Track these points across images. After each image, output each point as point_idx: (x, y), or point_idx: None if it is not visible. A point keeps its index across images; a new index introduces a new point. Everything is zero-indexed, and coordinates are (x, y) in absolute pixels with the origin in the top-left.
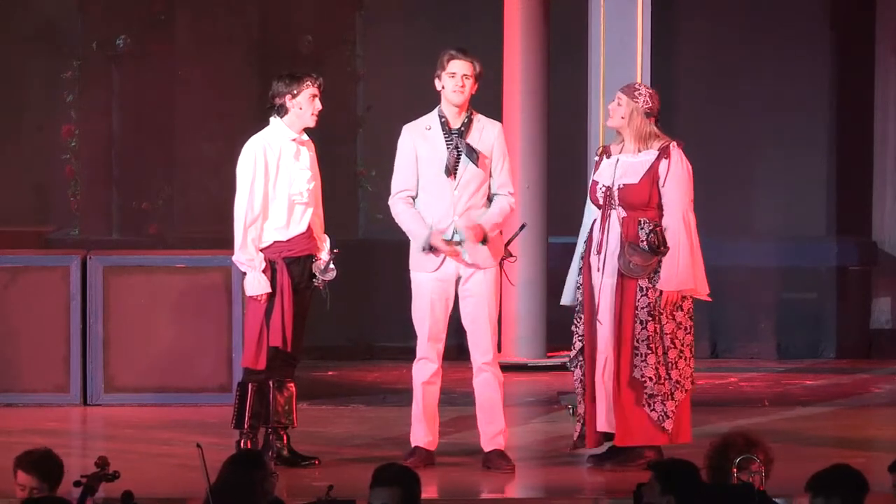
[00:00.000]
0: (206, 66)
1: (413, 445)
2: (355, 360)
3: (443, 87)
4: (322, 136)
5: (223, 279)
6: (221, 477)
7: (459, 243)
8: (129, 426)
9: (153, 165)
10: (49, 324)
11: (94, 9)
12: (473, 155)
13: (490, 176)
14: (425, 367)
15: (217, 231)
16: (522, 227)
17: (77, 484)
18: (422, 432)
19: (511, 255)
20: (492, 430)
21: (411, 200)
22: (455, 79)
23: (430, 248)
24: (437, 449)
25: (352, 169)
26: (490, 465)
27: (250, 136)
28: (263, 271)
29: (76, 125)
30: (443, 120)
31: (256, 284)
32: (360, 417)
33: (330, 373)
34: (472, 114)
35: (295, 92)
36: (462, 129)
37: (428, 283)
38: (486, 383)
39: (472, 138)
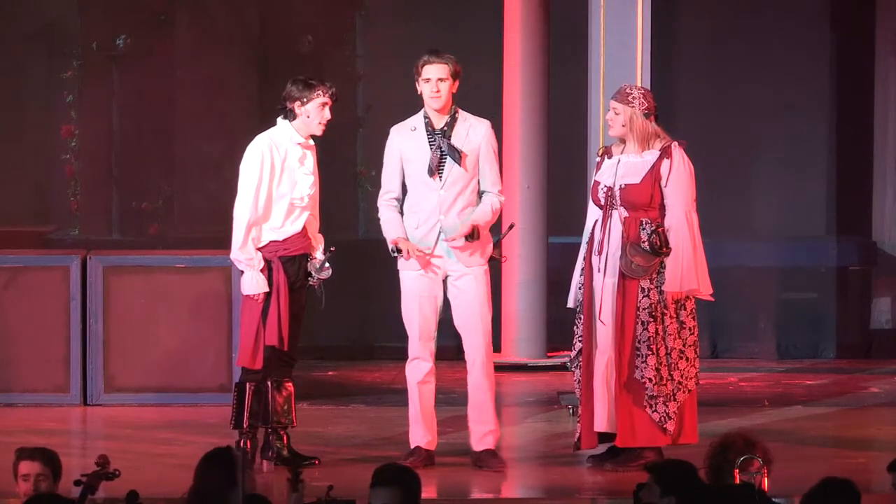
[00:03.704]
0: (206, 66)
1: (413, 446)
2: (355, 360)
3: (421, 93)
4: (322, 136)
5: (223, 279)
6: (196, 477)
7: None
8: (129, 426)
9: (153, 165)
10: (49, 324)
11: (94, 9)
12: (456, 154)
13: (479, 174)
14: (419, 367)
15: (217, 231)
16: (511, 226)
17: (77, 483)
18: (420, 432)
19: (502, 256)
20: (481, 429)
21: (395, 203)
22: (430, 84)
23: (398, 251)
24: (436, 449)
25: (352, 169)
26: (482, 465)
27: (250, 136)
28: (261, 270)
29: (76, 125)
30: (427, 120)
31: (254, 283)
32: (360, 417)
33: (330, 373)
34: (456, 112)
35: (305, 99)
36: (445, 128)
37: (414, 281)
38: (477, 383)
39: (458, 137)
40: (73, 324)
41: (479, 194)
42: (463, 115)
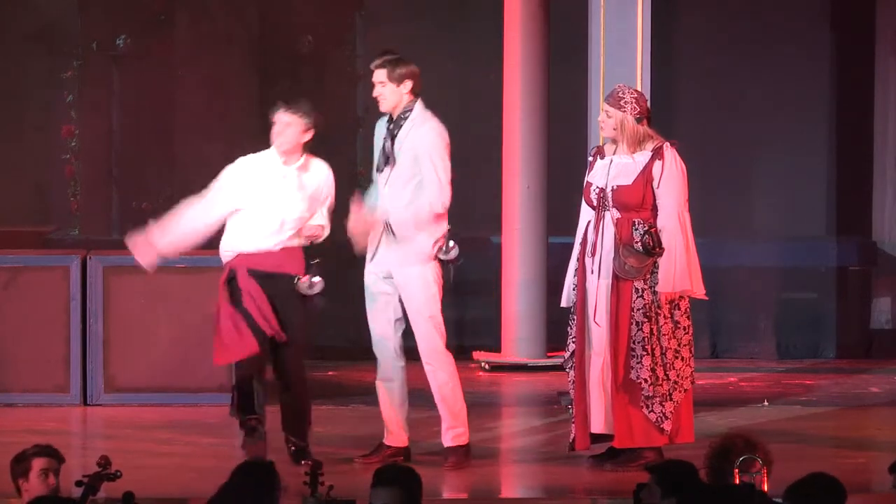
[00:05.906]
0: (206, 66)
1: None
2: (355, 360)
3: None
4: (322, 136)
5: None
6: (228, 485)
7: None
8: (129, 426)
9: (153, 165)
10: (49, 324)
11: (94, 9)
12: (385, 155)
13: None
14: (377, 364)
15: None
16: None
17: (79, 483)
18: (385, 429)
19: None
20: (443, 426)
21: None
22: (375, 88)
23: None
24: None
25: (352, 169)
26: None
27: (250, 136)
28: (228, 280)
29: (76, 125)
30: (388, 116)
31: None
32: (359, 417)
33: (330, 373)
34: (408, 112)
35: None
36: (392, 127)
37: (367, 274)
38: (429, 381)
39: (401, 137)
40: (73, 324)
41: None
42: (415, 115)
